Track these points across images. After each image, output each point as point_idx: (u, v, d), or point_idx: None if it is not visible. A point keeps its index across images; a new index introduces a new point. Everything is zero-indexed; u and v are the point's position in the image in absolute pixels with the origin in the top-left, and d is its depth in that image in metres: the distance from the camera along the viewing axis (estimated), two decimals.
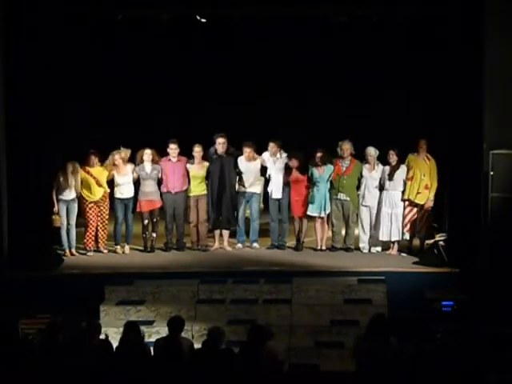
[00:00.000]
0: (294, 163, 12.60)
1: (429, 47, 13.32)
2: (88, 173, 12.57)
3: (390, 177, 12.33)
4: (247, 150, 12.78)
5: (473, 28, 11.72)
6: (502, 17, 11.51)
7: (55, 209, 12.40)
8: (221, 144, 12.68)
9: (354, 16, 13.14)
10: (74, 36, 13.23)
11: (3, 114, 12.08)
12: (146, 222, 12.73)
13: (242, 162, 12.83)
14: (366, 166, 12.55)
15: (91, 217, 12.63)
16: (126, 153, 12.75)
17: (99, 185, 12.61)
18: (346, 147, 12.56)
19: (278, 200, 12.78)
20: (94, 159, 12.65)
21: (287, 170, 12.69)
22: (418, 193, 12.28)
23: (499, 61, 11.50)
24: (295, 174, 12.64)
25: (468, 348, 8.14)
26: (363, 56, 14.48)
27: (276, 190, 12.76)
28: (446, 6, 12.15)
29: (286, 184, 12.71)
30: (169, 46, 14.65)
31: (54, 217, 12.42)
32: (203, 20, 13.35)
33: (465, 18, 11.92)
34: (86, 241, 12.71)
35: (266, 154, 12.88)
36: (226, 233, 12.95)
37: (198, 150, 12.75)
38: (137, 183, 12.82)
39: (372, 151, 12.51)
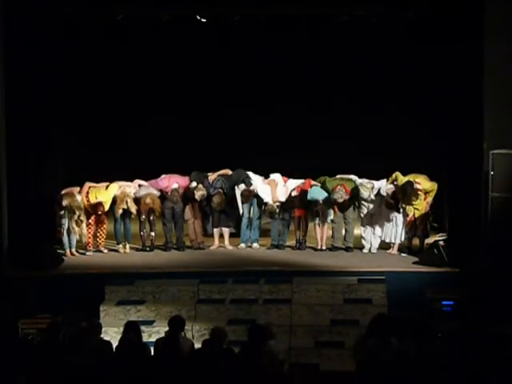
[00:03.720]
0: (295, 210, 12.66)
1: (428, 47, 13.32)
2: (88, 201, 12.43)
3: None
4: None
5: (473, 28, 11.73)
6: (502, 17, 11.51)
7: (61, 221, 12.42)
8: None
9: (354, 16, 13.14)
10: (73, 36, 13.24)
11: (3, 111, 12.08)
12: (142, 217, 12.66)
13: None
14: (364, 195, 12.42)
15: (90, 216, 12.60)
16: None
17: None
18: (339, 195, 12.30)
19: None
20: (91, 192, 12.47)
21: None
22: (419, 209, 12.22)
23: (499, 60, 11.50)
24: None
25: (468, 348, 8.13)
26: (363, 56, 14.47)
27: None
28: (445, 7, 12.16)
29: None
30: (169, 46, 14.64)
31: (59, 229, 12.48)
32: (203, 20, 13.35)
33: (465, 18, 11.93)
34: (85, 240, 12.69)
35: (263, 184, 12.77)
36: (226, 231, 12.95)
37: (200, 193, 12.57)
38: None
39: (364, 195, 12.34)
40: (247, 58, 14.76)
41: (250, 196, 12.65)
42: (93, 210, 12.46)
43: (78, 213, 12.20)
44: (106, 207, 12.49)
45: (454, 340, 8.50)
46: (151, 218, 12.72)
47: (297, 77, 14.80)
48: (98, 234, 12.77)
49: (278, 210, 12.62)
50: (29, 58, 12.19)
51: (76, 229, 12.25)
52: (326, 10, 12.85)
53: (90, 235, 12.68)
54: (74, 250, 12.60)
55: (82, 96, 14.22)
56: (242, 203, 12.75)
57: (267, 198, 12.62)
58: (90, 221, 12.60)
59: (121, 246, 12.84)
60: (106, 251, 12.83)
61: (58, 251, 12.52)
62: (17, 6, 12.04)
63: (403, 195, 12.02)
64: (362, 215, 12.61)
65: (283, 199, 12.62)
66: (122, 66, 14.73)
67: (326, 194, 12.46)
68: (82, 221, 12.27)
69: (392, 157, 13.67)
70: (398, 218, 12.36)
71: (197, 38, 14.12)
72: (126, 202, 12.45)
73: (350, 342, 9.56)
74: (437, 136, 13.49)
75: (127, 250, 12.82)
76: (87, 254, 12.67)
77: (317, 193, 12.50)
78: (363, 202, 12.46)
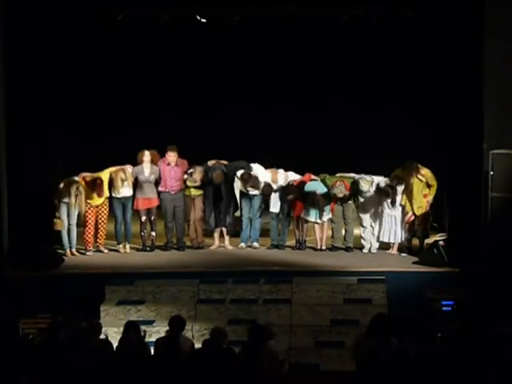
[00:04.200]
0: (291, 197, 12.59)
1: (428, 47, 13.33)
2: (85, 181, 12.49)
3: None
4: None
5: (473, 28, 11.73)
6: (502, 17, 11.52)
7: (57, 213, 12.40)
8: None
9: (354, 16, 13.14)
10: (73, 36, 13.24)
11: (3, 111, 12.07)
12: (143, 218, 12.71)
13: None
14: (364, 188, 12.45)
15: (90, 216, 12.62)
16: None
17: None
18: (339, 190, 12.35)
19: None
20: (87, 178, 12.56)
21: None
22: (419, 207, 12.23)
23: (499, 60, 11.50)
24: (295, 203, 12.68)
25: (468, 348, 8.13)
26: (363, 56, 14.48)
27: (273, 205, 12.77)
28: (445, 7, 12.16)
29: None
30: (169, 46, 14.64)
31: (55, 220, 12.43)
32: (203, 20, 13.36)
33: (465, 18, 11.93)
34: (85, 240, 12.72)
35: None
36: (226, 231, 12.95)
37: (199, 170, 12.61)
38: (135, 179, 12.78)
39: (364, 188, 12.37)
40: (247, 58, 14.78)
41: (250, 180, 12.56)
42: (92, 185, 12.47)
43: (75, 185, 12.21)
44: (105, 186, 12.52)
45: (454, 340, 8.49)
46: (152, 217, 12.75)
47: (297, 77, 14.82)
48: (98, 235, 12.78)
49: (276, 193, 12.62)
50: (29, 58, 12.18)
51: (75, 201, 12.22)
52: (326, 10, 12.86)
53: (89, 235, 12.69)
54: (74, 249, 12.60)
55: (82, 96, 14.22)
56: (241, 192, 12.71)
57: (267, 179, 12.65)
58: (89, 221, 12.61)
59: (121, 245, 12.85)
60: (106, 251, 12.83)
61: (58, 251, 12.52)
62: (17, 6, 12.03)
63: (404, 170, 12.08)
64: (362, 212, 12.59)
65: (283, 183, 12.65)
66: (122, 66, 14.74)
67: (324, 189, 12.45)
68: (80, 192, 12.26)
69: (392, 157, 13.64)
70: (398, 217, 12.36)
71: (197, 38, 14.13)
72: (124, 173, 12.50)
73: (350, 342, 9.56)
74: (437, 136, 13.49)
75: (127, 250, 12.83)
76: (87, 253, 12.67)
77: (315, 185, 12.50)
78: (362, 199, 12.44)
